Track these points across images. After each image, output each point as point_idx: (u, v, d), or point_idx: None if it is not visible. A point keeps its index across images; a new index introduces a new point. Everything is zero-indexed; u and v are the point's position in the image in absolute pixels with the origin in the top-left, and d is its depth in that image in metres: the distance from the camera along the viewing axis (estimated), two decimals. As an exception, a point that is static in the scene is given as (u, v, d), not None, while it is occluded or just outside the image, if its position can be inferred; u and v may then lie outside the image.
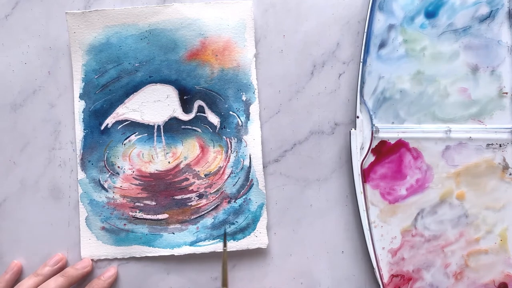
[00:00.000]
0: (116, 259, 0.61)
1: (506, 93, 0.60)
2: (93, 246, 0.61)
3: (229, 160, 0.61)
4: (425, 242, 0.60)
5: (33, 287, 0.57)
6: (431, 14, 0.60)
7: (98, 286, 0.59)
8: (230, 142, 0.61)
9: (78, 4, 0.62)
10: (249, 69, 0.61)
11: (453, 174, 0.60)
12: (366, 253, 0.60)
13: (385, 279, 0.60)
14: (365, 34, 0.59)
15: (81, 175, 0.61)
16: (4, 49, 0.63)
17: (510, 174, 0.60)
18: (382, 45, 0.60)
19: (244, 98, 0.61)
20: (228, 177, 0.61)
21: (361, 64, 0.59)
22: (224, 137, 0.61)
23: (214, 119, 0.61)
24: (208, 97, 0.61)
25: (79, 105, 0.61)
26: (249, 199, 0.61)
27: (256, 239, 0.60)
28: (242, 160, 0.61)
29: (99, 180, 0.61)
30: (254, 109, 0.61)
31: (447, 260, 0.60)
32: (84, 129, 0.61)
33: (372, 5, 0.59)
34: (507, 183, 0.60)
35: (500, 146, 0.60)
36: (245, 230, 0.61)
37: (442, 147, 0.60)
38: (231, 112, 0.61)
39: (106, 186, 0.61)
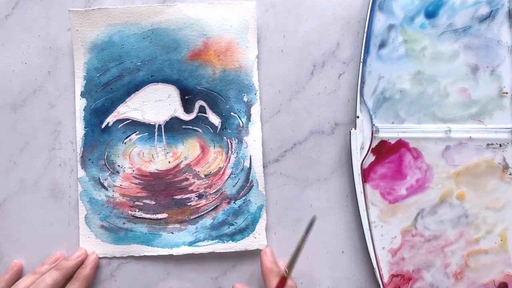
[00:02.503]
0: (116, 258, 0.61)
1: (506, 93, 0.60)
2: (92, 245, 0.61)
3: (229, 161, 0.61)
4: (425, 242, 0.60)
5: (30, 285, 0.57)
6: (431, 14, 0.60)
7: (81, 274, 0.59)
8: (231, 143, 0.61)
9: (78, 4, 0.62)
10: (251, 70, 0.61)
11: (453, 174, 0.60)
12: (366, 253, 0.60)
13: (385, 279, 0.60)
14: (365, 34, 0.60)
15: (81, 173, 0.61)
16: (4, 49, 0.63)
17: (510, 174, 0.60)
18: (382, 45, 0.60)
19: (245, 99, 0.61)
20: (228, 178, 0.61)
21: (361, 64, 0.59)
22: (224, 137, 0.61)
23: (215, 119, 0.61)
24: (209, 98, 0.61)
25: (80, 103, 0.61)
26: (249, 200, 0.61)
27: (255, 240, 0.60)
28: (242, 161, 0.61)
29: (99, 179, 0.61)
30: (255, 110, 0.61)
31: (447, 260, 0.60)
32: (85, 127, 0.61)
33: (372, 5, 0.60)
34: (507, 183, 0.60)
35: (500, 146, 0.60)
36: (244, 231, 0.61)
37: (442, 147, 0.60)
38: (232, 113, 0.61)
39: (106, 184, 0.61)
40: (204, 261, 0.61)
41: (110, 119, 0.61)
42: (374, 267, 0.59)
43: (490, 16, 0.60)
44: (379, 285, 0.59)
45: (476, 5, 0.60)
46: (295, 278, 0.61)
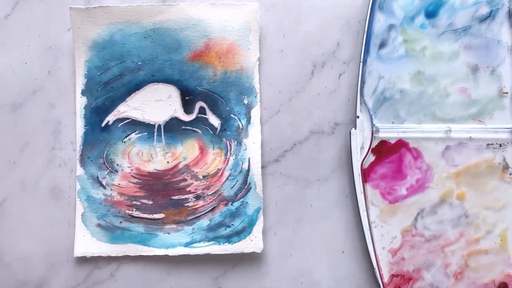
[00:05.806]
0: (115, 258, 0.61)
1: (506, 93, 0.60)
2: (87, 243, 0.61)
3: (228, 163, 0.61)
4: (425, 242, 0.60)
5: None
6: (431, 14, 0.60)
7: None
8: (230, 145, 0.61)
9: (78, 4, 0.62)
10: (252, 73, 0.61)
11: (453, 174, 0.60)
12: (366, 253, 0.60)
13: (385, 279, 0.60)
14: (365, 34, 0.60)
15: (80, 171, 0.61)
16: (4, 49, 0.63)
17: (510, 174, 0.60)
18: (382, 45, 0.60)
19: (246, 101, 0.61)
20: (226, 180, 0.61)
21: (361, 64, 0.59)
22: (224, 139, 0.61)
23: (215, 121, 0.61)
24: (209, 99, 0.61)
25: (81, 101, 0.61)
26: (246, 202, 0.61)
27: (251, 243, 0.60)
28: (241, 163, 0.61)
29: (98, 177, 0.61)
30: (255, 113, 0.61)
31: (447, 260, 0.60)
32: (85, 125, 0.61)
33: (372, 5, 0.60)
34: (507, 183, 0.60)
35: (500, 146, 0.60)
36: (240, 234, 0.60)
37: (442, 147, 0.60)
38: (232, 115, 0.61)
39: (104, 183, 0.61)
40: (204, 261, 0.61)
41: (110, 118, 0.61)
42: (374, 267, 0.59)
43: (490, 16, 0.60)
44: (379, 285, 0.59)
45: (476, 5, 0.60)
46: (295, 278, 0.61)
